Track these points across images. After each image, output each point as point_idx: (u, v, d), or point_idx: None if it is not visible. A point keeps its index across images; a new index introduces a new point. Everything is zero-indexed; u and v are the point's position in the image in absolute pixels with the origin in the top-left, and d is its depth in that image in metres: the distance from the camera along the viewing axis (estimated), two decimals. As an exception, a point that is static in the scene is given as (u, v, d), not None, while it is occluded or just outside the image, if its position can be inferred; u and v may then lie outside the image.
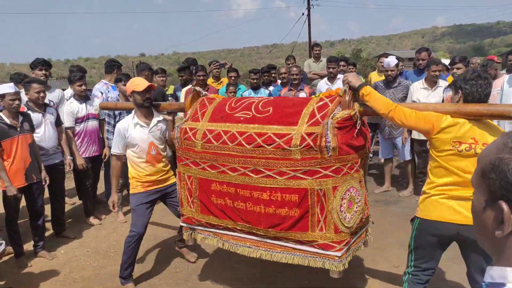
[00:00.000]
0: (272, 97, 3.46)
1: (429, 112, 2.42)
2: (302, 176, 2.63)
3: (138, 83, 3.42)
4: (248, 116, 2.89)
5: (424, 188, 2.60)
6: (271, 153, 2.69)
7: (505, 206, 0.72)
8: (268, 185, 2.74)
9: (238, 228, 3.01)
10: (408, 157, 5.49)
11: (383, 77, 5.64)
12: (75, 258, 4.15)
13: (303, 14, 22.84)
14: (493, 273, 0.76)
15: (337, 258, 2.74)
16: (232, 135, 2.84)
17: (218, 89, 6.39)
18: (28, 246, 4.31)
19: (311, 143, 2.55)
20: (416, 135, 5.24)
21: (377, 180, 6.27)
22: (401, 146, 5.49)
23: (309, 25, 22.26)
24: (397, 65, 5.38)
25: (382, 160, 6.22)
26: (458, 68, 4.65)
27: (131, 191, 3.57)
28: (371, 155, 6.53)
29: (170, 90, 6.38)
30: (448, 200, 2.41)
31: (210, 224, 3.14)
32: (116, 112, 4.75)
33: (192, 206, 3.20)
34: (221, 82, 6.87)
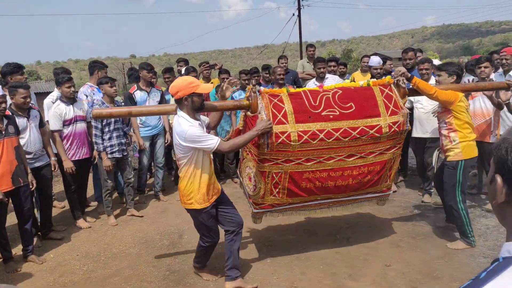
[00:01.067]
0: (339, 89, 3.60)
1: (451, 90, 3.78)
2: (385, 152, 3.58)
3: (198, 85, 3.09)
4: (336, 114, 3.37)
5: (459, 140, 3.83)
6: (364, 141, 3.42)
7: (499, 178, 0.85)
8: (358, 164, 3.51)
9: (319, 199, 3.66)
10: None
11: (367, 76, 5.77)
12: (65, 262, 4.10)
13: (293, 14, 22.88)
14: (510, 247, 0.82)
15: (389, 195, 4.12)
16: (328, 133, 3.32)
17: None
18: (17, 250, 4.25)
19: (397, 129, 3.49)
20: (420, 133, 5.29)
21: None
22: None
23: (299, 25, 22.30)
24: (382, 63, 5.55)
25: None
26: (485, 67, 4.75)
27: (196, 207, 3.23)
28: None
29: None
30: (474, 142, 3.89)
31: (290, 204, 3.68)
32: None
33: (277, 195, 3.56)
34: (212, 83, 6.85)
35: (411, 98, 5.24)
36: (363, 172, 3.57)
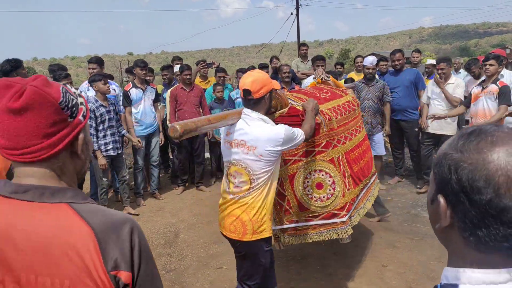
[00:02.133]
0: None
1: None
2: (362, 129, 3.69)
3: (272, 81, 2.49)
4: (328, 95, 3.40)
5: None
6: (351, 114, 3.42)
7: (442, 200, 0.73)
8: (361, 139, 3.55)
9: (361, 186, 3.39)
10: (382, 152, 5.79)
11: (362, 76, 5.88)
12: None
13: (291, 14, 22.86)
14: (448, 274, 0.77)
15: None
16: (338, 108, 3.24)
17: (205, 89, 6.36)
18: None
19: (355, 103, 3.62)
20: (436, 129, 5.44)
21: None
22: (378, 141, 5.72)
23: (297, 25, 22.29)
24: (376, 64, 5.67)
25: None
26: (491, 65, 4.79)
27: (269, 234, 2.51)
28: None
29: (159, 89, 6.31)
30: None
31: (357, 196, 3.30)
32: (97, 114, 4.69)
33: (349, 185, 3.07)
34: (209, 81, 6.84)
35: (428, 93, 5.44)
36: (365, 147, 3.67)
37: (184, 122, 2.19)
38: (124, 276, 0.88)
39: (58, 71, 5.04)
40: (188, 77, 5.69)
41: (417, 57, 7.05)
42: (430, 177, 0.81)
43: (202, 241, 4.35)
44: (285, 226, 3.11)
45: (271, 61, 7.86)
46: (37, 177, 0.90)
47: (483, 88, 4.87)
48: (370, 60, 5.66)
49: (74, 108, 0.93)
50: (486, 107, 4.80)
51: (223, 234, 2.63)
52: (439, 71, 5.33)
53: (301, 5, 22.86)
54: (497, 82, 4.77)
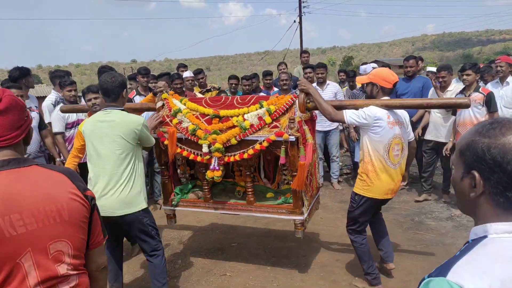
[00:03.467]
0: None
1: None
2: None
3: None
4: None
5: None
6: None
7: (477, 174, 0.97)
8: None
9: None
10: None
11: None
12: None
13: (294, 21, 22.95)
14: (477, 230, 0.99)
15: None
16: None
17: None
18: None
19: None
20: (429, 135, 5.48)
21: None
22: None
23: (300, 32, 22.37)
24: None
25: None
26: (468, 75, 4.81)
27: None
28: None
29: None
30: None
31: None
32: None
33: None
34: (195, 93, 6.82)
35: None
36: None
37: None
38: (90, 193, 1.45)
39: (64, 78, 5.09)
40: (179, 85, 5.64)
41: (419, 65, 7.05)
42: (454, 161, 1.07)
43: (206, 248, 4.35)
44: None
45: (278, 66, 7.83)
46: (11, 155, 1.36)
47: (466, 97, 4.88)
48: (363, 68, 5.72)
49: (27, 110, 1.47)
50: (473, 115, 4.79)
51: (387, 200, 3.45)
52: (440, 79, 5.33)
53: (304, 12, 22.97)
54: (480, 90, 4.79)
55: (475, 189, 0.98)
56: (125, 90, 3.04)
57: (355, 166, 6.94)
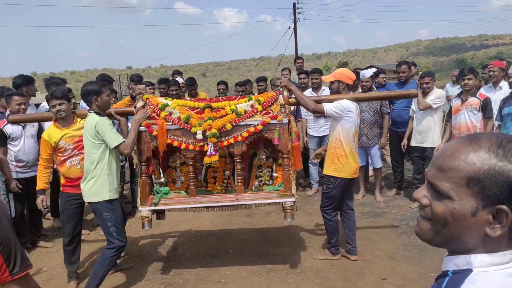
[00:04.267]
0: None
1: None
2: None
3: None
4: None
5: None
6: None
7: (506, 208, 0.77)
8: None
9: None
10: (379, 165, 5.88)
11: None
12: (58, 275, 4.05)
13: (289, 27, 23.11)
14: (457, 261, 0.85)
15: None
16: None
17: None
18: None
19: None
20: (413, 142, 5.50)
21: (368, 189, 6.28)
22: (374, 155, 5.79)
23: (295, 38, 22.50)
24: (371, 76, 5.64)
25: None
26: (469, 79, 4.84)
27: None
28: None
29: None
30: None
31: None
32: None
33: None
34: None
35: (413, 107, 5.43)
36: None
37: None
38: None
39: (61, 85, 5.12)
40: (175, 92, 5.69)
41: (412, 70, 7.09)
42: (452, 191, 0.83)
43: (201, 255, 4.34)
44: None
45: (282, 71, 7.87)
46: None
47: (463, 101, 4.92)
48: (362, 73, 5.76)
49: None
50: (468, 120, 4.84)
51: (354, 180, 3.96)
52: (424, 85, 5.32)
53: (298, 19, 23.14)
54: (477, 95, 4.83)
55: (499, 227, 0.80)
56: (96, 96, 3.40)
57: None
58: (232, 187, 4.03)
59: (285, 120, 3.47)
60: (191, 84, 6.47)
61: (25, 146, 4.40)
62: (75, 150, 3.68)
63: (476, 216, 0.81)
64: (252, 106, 3.57)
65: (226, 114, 3.49)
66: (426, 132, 5.30)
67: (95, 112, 3.41)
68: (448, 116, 5.20)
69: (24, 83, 4.98)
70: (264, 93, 3.74)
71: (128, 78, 27.42)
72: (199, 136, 3.39)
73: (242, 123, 3.47)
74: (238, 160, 3.60)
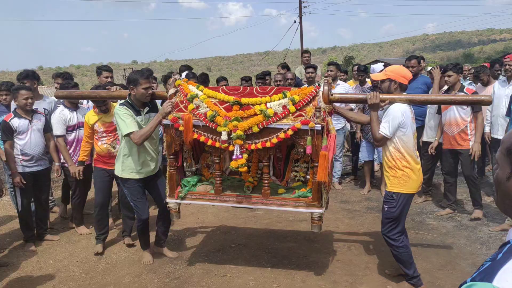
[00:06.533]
0: None
1: None
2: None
3: None
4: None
5: None
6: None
7: None
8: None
9: None
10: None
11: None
12: (64, 268, 4.08)
13: (295, 21, 22.98)
14: None
15: None
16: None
17: None
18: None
19: None
20: (425, 137, 5.45)
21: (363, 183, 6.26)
22: (380, 149, 5.64)
23: (301, 32, 22.39)
24: (381, 71, 5.56)
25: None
26: (449, 76, 4.78)
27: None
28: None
29: None
30: None
31: None
32: None
33: None
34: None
35: None
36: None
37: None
38: None
39: (66, 81, 5.14)
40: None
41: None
42: (499, 160, 1.03)
43: (206, 249, 4.35)
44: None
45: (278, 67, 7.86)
46: None
47: None
48: (372, 68, 5.74)
49: None
50: (458, 116, 4.80)
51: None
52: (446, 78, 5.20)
53: (304, 13, 23.00)
54: (464, 90, 4.78)
55: None
56: (133, 86, 3.59)
57: (355, 165, 6.94)
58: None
59: (318, 127, 3.08)
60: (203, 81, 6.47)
61: (32, 140, 4.42)
62: (105, 133, 4.35)
63: (509, 181, 0.98)
64: (284, 106, 3.18)
65: (255, 114, 3.18)
66: (437, 128, 5.27)
67: (121, 103, 3.67)
68: (438, 113, 5.14)
69: (26, 77, 5.01)
70: (302, 89, 3.30)
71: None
72: (224, 137, 3.18)
73: (271, 125, 3.16)
74: (265, 164, 3.38)
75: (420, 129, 5.62)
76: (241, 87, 3.51)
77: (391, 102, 3.29)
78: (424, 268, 3.70)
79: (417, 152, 3.34)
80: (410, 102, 3.28)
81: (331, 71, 6.13)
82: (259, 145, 3.20)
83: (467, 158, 4.77)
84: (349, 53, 78.31)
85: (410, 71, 5.77)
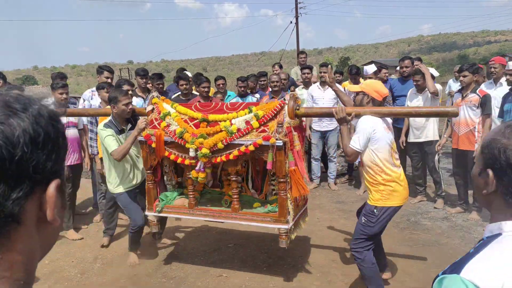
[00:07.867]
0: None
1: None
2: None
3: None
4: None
5: None
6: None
7: (490, 172, 0.99)
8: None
9: None
10: None
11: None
12: (60, 268, 4.07)
13: (291, 22, 22.99)
14: (491, 227, 1.00)
15: None
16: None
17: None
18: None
19: None
20: (411, 138, 5.44)
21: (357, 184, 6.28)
22: None
23: (297, 33, 22.41)
24: (374, 72, 5.60)
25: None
26: (464, 76, 4.78)
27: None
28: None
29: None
30: None
31: None
32: (98, 119, 4.71)
33: None
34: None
35: (408, 102, 5.39)
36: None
37: None
38: None
39: (55, 80, 5.13)
40: (206, 89, 5.47)
41: (416, 65, 7.04)
42: (477, 156, 1.09)
43: (202, 249, 4.35)
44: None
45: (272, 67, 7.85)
46: None
47: (463, 97, 4.89)
48: (365, 70, 5.77)
49: None
50: (467, 116, 4.82)
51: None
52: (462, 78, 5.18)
53: (300, 13, 23.01)
54: (477, 91, 4.79)
55: (487, 187, 1.01)
56: (114, 104, 3.73)
57: (350, 166, 6.96)
58: (246, 191, 3.90)
59: (279, 143, 3.07)
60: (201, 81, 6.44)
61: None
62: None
63: (479, 177, 1.04)
64: (248, 122, 3.24)
65: (221, 130, 3.28)
66: (423, 127, 5.29)
67: (105, 123, 3.80)
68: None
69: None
70: (267, 104, 3.31)
71: (129, 72, 27.30)
72: (192, 153, 3.33)
73: (235, 141, 3.23)
74: (233, 179, 3.46)
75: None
76: (213, 103, 3.66)
77: (358, 115, 3.17)
78: (419, 268, 3.73)
79: (396, 155, 3.18)
80: (376, 115, 3.12)
81: (324, 72, 6.13)
82: (223, 158, 3.30)
83: (472, 160, 4.78)
84: (345, 54, 78.49)
85: (404, 71, 5.85)
